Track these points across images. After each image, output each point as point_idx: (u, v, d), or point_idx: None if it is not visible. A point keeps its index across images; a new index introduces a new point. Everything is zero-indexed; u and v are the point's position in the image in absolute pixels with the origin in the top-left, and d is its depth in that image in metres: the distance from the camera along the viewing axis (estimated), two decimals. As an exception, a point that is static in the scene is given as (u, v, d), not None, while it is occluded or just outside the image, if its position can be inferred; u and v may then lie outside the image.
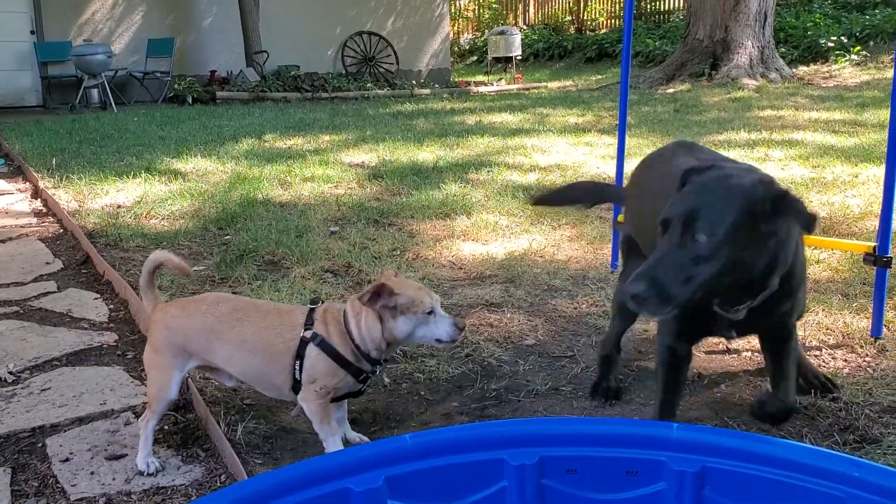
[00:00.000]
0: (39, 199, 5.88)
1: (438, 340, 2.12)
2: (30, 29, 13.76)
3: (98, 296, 3.65)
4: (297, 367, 2.11)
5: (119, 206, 5.35)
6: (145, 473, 2.13)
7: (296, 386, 2.13)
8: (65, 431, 2.38)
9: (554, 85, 15.55)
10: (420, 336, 2.11)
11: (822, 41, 14.00)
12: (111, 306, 3.51)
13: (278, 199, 5.44)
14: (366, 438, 2.31)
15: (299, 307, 2.24)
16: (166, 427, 2.38)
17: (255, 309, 2.23)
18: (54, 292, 3.73)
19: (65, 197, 5.68)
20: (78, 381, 2.74)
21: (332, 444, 2.13)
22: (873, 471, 1.36)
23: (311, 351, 2.10)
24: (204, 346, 2.18)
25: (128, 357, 2.95)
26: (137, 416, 2.45)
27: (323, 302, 2.23)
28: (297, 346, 2.11)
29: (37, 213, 5.46)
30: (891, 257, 2.76)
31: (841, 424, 2.25)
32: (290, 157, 7.14)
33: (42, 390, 2.66)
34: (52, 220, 5.23)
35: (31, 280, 3.91)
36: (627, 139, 7.47)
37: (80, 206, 5.41)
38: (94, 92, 13.07)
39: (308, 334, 2.11)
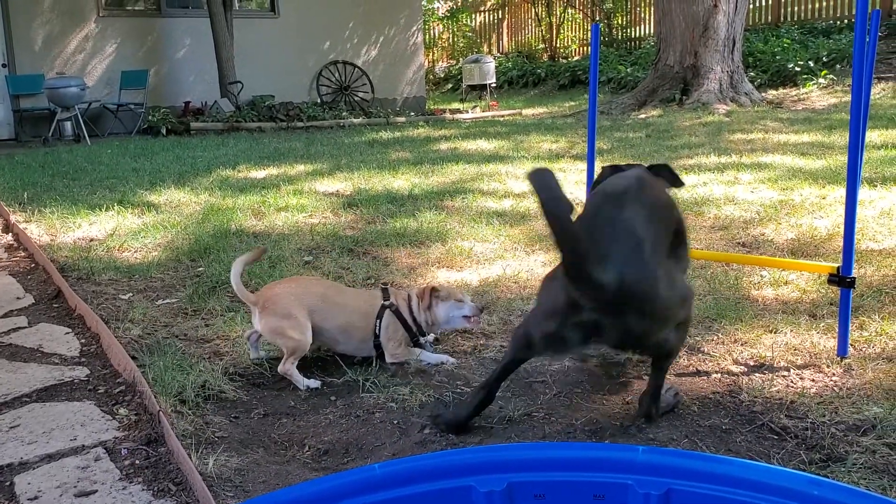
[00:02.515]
0: (10, 234, 5.84)
1: (465, 317, 3.11)
2: (1, 62, 13.71)
3: (69, 330, 3.63)
4: (377, 326, 3.04)
5: (91, 240, 5.32)
6: (310, 388, 2.89)
7: (375, 341, 3.06)
8: (34, 469, 2.36)
9: (528, 112, 15.70)
10: (452, 316, 3.10)
11: (790, 65, 14.26)
12: (82, 341, 3.49)
13: (252, 229, 5.44)
14: (450, 359, 3.13)
15: (377, 290, 3.22)
16: (137, 462, 2.36)
17: (330, 283, 3.53)
18: (25, 328, 3.70)
19: (36, 231, 5.65)
20: (48, 416, 2.71)
21: (424, 356, 3.08)
22: (832, 488, 1.38)
23: (387, 314, 3.06)
24: (322, 310, 3.00)
25: (99, 391, 2.93)
26: (108, 451, 2.43)
27: (389, 286, 3.25)
28: (377, 310, 3.06)
29: (7, 248, 5.42)
30: (854, 278, 2.82)
31: (808, 444, 2.28)
32: (265, 187, 7.14)
33: (11, 427, 2.64)
34: (23, 254, 5.19)
35: (2, 316, 3.88)
36: (601, 164, 7.59)
37: (51, 240, 5.38)
38: (68, 125, 13.01)
39: (387, 303, 3.07)
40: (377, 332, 3.06)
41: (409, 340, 3.11)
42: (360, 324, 3.06)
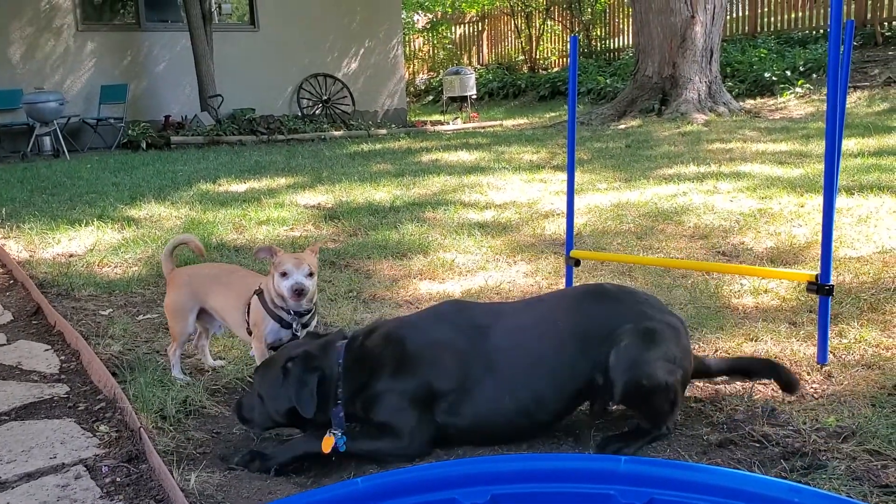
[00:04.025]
0: (-11, 250, 5.79)
1: (282, 296, 2.70)
2: (-21, 78, 13.63)
3: (49, 347, 3.60)
4: (248, 312, 2.84)
5: (71, 256, 5.28)
6: (183, 383, 2.95)
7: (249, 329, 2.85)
8: (13, 488, 2.33)
9: (509, 123, 15.76)
10: (281, 288, 2.68)
11: (768, 75, 14.40)
12: (62, 357, 3.46)
13: (233, 243, 5.42)
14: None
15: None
16: (118, 479, 2.34)
17: (240, 269, 3.23)
18: (3, 345, 3.66)
19: (15, 247, 5.60)
20: (27, 435, 2.68)
21: None
22: (812, 496, 1.39)
23: (253, 300, 2.81)
24: (206, 290, 2.98)
25: (79, 409, 2.90)
26: (89, 469, 2.41)
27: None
28: (250, 296, 2.83)
29: (-14, 265, 5.37)
30: (832, 285, 2.84)
31: (789, 451, 2.29)
32: (246, 200, 7.12)
33: (-11, 446, 2.61)
34: (1, 270, 5.15)
35: (-20, 333, 3.84)
36: (582, 175, 7.64)
37: (30, 255, 5.34)
38: (47, 140, 12.93)
39: (257, 289, 2.80)
40: (248, 318, 2.83)
41: (272, 329, 2.76)
42: (235, 306, 2.89)
